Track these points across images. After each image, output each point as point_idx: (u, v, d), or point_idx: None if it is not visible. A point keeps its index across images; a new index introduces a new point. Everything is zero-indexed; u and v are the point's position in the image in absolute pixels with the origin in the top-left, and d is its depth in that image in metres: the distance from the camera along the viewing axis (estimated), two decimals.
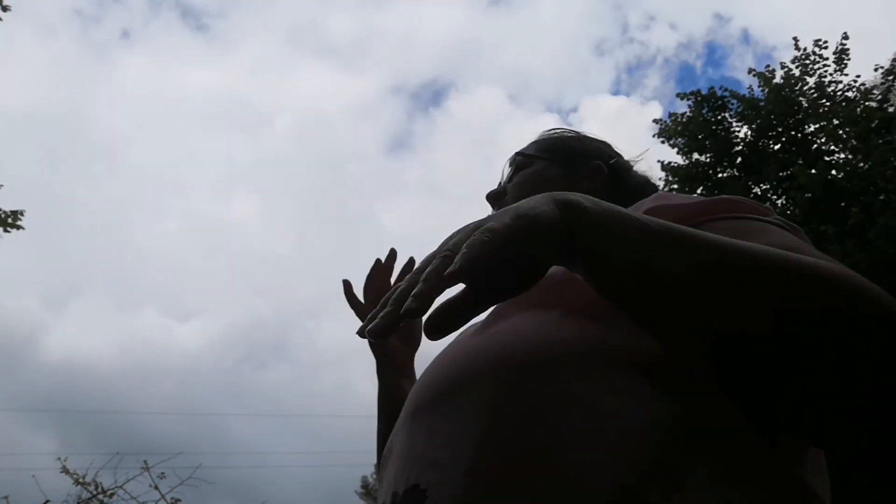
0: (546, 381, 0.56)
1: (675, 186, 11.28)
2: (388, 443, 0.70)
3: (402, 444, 0.63)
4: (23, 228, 8.37)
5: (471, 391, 0.59)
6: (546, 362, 0.57)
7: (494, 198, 1.08)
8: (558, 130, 1.15)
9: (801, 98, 10.85)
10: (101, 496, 8.51)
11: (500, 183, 1.11)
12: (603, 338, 0.58)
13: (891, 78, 10.37)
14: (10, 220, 8.32)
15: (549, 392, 0.55)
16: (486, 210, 1.11)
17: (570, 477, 0.49)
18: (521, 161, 1.09)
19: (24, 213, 8.38)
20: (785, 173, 10.32)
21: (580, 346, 0.58)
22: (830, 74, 10.87)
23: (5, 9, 8.22)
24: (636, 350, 0.56)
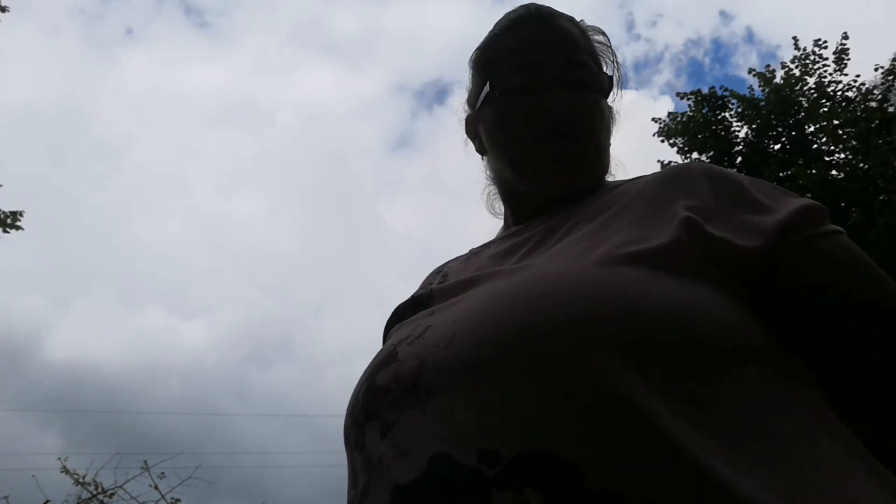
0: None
1: None
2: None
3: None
4: (22, 229, 8.41)
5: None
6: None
7: (577, 86, 0.82)
8: (607, 44, 0.92)
9: (801, 98, 10.81)
10: (101, 496, 8.54)
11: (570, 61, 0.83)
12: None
13: (891, 78, 10.32)
14: (9, 221, 8.35)
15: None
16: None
17: None
18: (596, 79, 0.85)
19: (24, 214, 8.43)
20: (785, 173, 10.27)
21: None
22: (830, 74, 10.82)
23: (4, 9, 8.26)
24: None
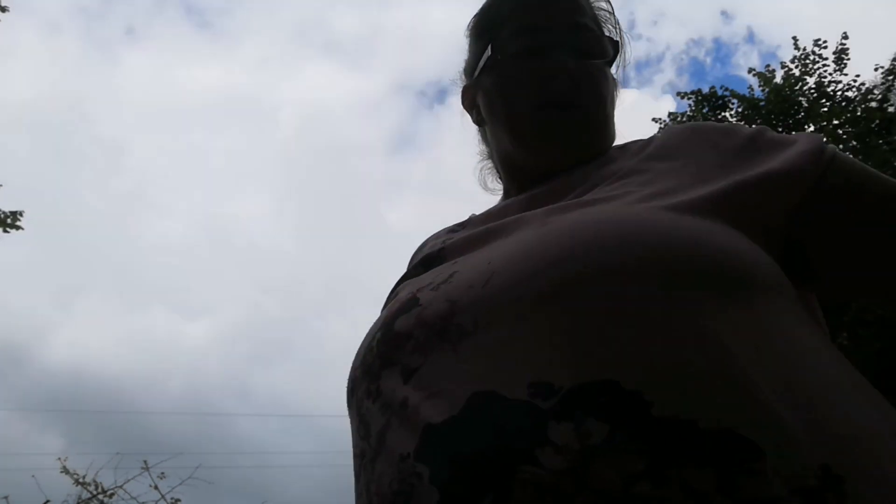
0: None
1: None
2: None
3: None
4: (22, 229, 8.41)
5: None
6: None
7: (566, 73, 0.77)
8: (610, 11, 0.89)
9: (800, 98, 10.81)
10: (101, 496, 8.54)
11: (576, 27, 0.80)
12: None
13: (891, 78, 10.31)
14: (9, 221, 8.35)
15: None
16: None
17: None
18: (601, 44, 0.82)
19: (24, 214, 8.43)
20: None
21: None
22: (830, 74, 10.82)
23: (4, 9, 8.26)
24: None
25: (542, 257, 0.52)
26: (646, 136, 0.78)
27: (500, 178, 0.91)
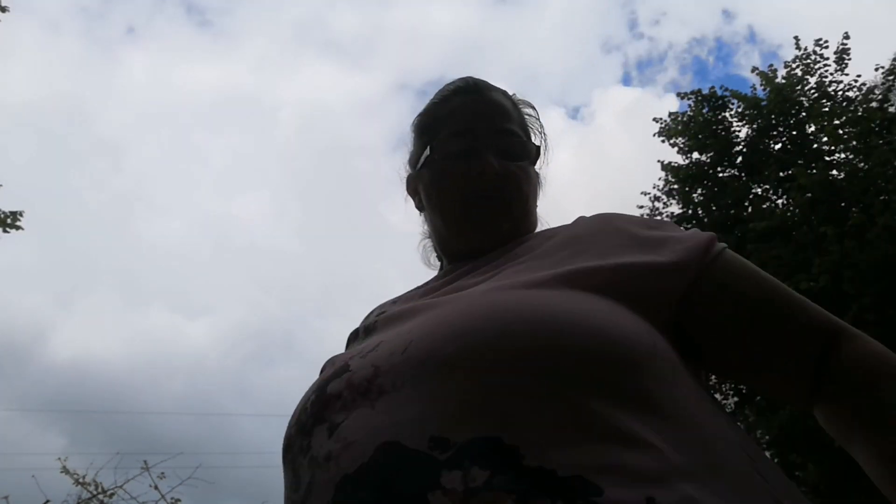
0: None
1: (676, 186, 11.26)
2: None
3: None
4: (22, 229, 8.41)
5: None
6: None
7: (486, 176, 0.88)
8: (535, 117, 1.03)
9: (801, 98, 10.80)
10: (101, 496, 8.54)
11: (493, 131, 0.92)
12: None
13: (891, 78, 10.31)
14: (9, 221, 8.36)
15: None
16: None
17: None
18: (525, 147, 0.95)
19: (24, 214, 8.43)
20: (785, 173, 10.28)
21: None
22: (831, 74, 10.82)
23: (4, 10, 8.27)
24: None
25: (445, 334, 0.62)
26: (578, 214, 0.89)
27: (437, 254, 1.04)
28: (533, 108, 1.03)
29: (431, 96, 1.02)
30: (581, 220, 0.86)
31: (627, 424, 0.54)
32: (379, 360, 0.64)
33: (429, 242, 1.07)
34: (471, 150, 0.90)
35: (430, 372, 0.59)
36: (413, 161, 1.02)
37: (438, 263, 1.05)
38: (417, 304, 0.79)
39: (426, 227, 1.06)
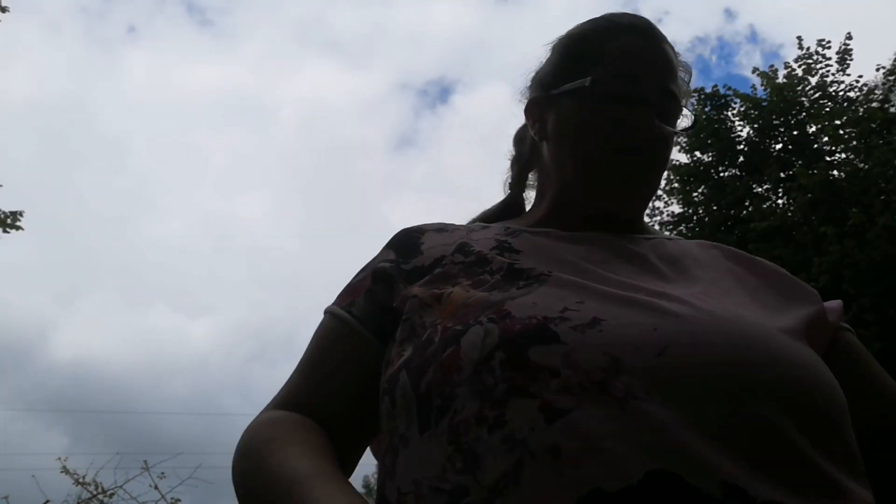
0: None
1: (676, 185, 11.26)
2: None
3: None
4: (22, 229, 8.41)
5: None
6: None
7: (654, 138, 0.79)
8: (688, 84, 0.90)
9: (802, 98, 10.80)
10: (101, 496, 8.54)
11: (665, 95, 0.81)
12: None
13: (892, 78, 10.29)
14: (9, 221, 8.36)
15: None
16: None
17: None
18: (679, 115, 0.84)
19: (24, 214, 8.44)
20: (786, 173, 10.27)
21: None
22: (833, 74, 10.81)
23: (4, 10, 8.27)
24: None
25: (720, 356, 0.55)
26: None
27: (539, 192, 0.90)
28: (690, 73, 0.89)
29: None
30: (688, 242, 0.83)
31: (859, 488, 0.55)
32: (616, 350, 0.53)
33: (530, 175, 0.95)
34: (631, 99, 0.79)
35: (698, 393, 0.51)
36: (548, 82, 0.87)
37: (534, 199, 0.91)
38: (630, 283, 0.66)
39: (520, 150, 0.96)
